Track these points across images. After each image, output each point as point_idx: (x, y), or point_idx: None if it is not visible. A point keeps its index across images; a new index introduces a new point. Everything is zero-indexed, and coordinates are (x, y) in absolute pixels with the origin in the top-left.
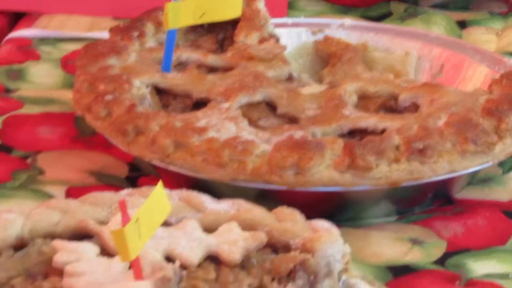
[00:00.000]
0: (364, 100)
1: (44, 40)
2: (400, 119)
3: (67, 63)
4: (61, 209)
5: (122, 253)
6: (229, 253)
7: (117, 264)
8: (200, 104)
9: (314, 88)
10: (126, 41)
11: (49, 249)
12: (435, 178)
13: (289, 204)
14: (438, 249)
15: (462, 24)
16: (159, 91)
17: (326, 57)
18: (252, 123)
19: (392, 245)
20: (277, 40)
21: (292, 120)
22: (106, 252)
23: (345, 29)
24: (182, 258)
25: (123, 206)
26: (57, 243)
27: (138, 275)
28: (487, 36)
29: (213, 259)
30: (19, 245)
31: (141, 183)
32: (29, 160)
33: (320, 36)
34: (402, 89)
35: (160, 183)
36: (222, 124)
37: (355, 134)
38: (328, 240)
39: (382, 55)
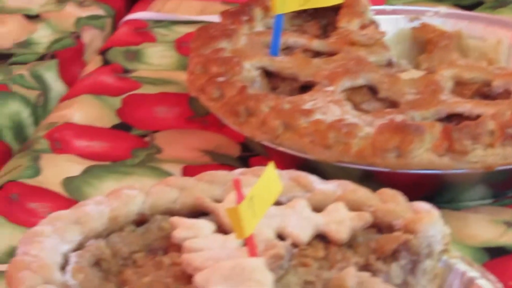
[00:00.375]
0: (459, 86)
1: (159, 23)
2: (494, 105)
3: (181, 45)
4: (179, 186)
5: (237, 230)
6: (337, 232)
7: (232, 241)
8: (306, 87)
9: (412, 74)
10: (236, 24)
11: (168, 225)
12: None
13: (390, 185)
14: None
15: None
16: (268, 74)
17: (423, 43)
18: (355, 106)
19: (488, 227)
20: (377, 26)
21: (393, 104)
22: (221, 229)
23: (440, 16)
24: (293, 236)
25: (237, 185)
26: (176, 219)
27: (253, 252)
28: None
29: (321, 237)
30: (140, 221)
31: (252, 163)
32: (147, 139)
33: (416, 23)
34: (495, 76)
35: (272, 163)
36: (328, 107)
37: (452, 118)
38: (429, 221)
39: (475, 43)
